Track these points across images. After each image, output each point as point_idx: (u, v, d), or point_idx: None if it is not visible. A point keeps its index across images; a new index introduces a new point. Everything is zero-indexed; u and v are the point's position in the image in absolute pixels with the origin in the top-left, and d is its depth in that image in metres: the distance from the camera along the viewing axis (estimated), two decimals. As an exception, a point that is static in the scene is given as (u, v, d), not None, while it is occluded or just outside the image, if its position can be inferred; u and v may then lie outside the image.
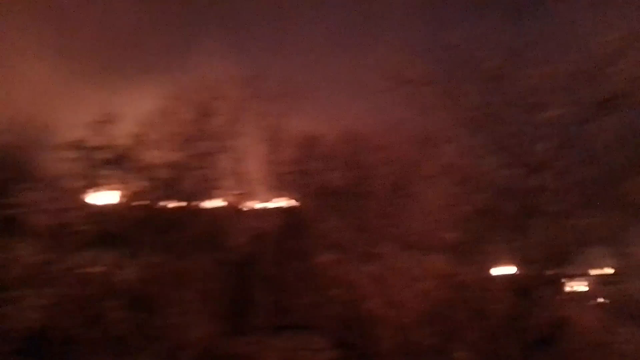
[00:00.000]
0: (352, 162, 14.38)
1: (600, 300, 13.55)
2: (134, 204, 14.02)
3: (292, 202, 15.61)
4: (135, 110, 15.14)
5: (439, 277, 12.39)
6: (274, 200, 15.82)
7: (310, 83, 15.34)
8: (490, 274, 12.74)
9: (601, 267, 13.80)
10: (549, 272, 12.30)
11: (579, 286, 13.47)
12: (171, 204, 14.57)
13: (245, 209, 15.30)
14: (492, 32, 10.94)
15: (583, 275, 13.50)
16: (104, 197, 14.10)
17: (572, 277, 13.21)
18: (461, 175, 12.16)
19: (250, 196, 15.57)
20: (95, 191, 13.88)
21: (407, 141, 13.00)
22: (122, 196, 14.19)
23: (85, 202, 13.33)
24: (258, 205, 15.62)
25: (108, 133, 13.89)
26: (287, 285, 13.21)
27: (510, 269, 12.55)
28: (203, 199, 14.89)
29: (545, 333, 11.93)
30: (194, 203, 14.62)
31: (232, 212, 14.80)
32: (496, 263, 12.74)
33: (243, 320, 12.60)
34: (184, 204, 14.56)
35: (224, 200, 15.29)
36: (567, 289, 13.22)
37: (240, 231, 14.06)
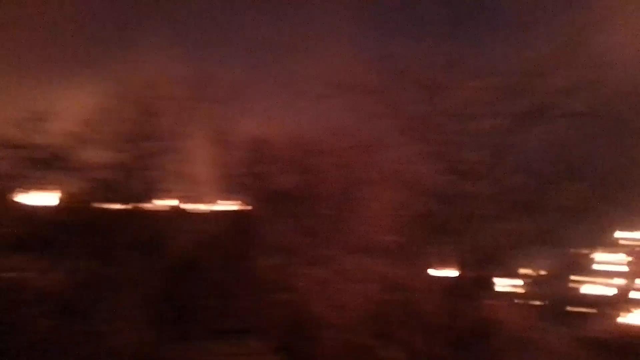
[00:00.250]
0: (299, 166, 14.49)
1: (529, 299, 14.37)
2: (70, 205, 13.47)
3: (239, 205, 15.52)
4: (74, 108, 14.56)
5: (381, 279, 12.70)
6: (220, 203, 15.67)
7: (257, 86, 15.39)
8: (428, 276, 13.19)
9: (531, 268, 14.66)
10: (482, 274, 12.94)
11: (510, 287, 14.22)
12: (111, 206, 14.12)
13: (190, 211, 15.05)
14: (430, 44, 11.38)
15: (514, 276, 14.26)
16: (36, 198, 13.45)
17: (503, 277, 13.93)
18: (401, 181, 12.53)
19: (196, 199, 15.34)
20: (27, 192, 13.22)
21: (351, 147, 13.23)
22: (57, 197, 13.61)
23: (14, 203, 12.66)
24: (203, 208, 15.41)
25: (42, 131, 13.29)
26: (230, 290, 13.11)
27: (446, 271, 13.07)
28: (145, 201, 14.52)
29: (477, 331, 12.51)
30: (135, 205, 14.23)
31: (176, 215, 14.52)
32: (434, 265, 13.21)
33: (184, 325, 12.38)
34: (125, 206, 14.15)
35: (168, 203, 14.98)
36: (499, 289, 13.92)
37: (184, 234, 13.82)
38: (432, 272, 13.24)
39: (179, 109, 15.12)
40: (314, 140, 13.97)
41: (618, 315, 13.84)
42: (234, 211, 15.26)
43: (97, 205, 13.94)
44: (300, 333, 12.36)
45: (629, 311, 13.92)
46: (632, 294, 14.33)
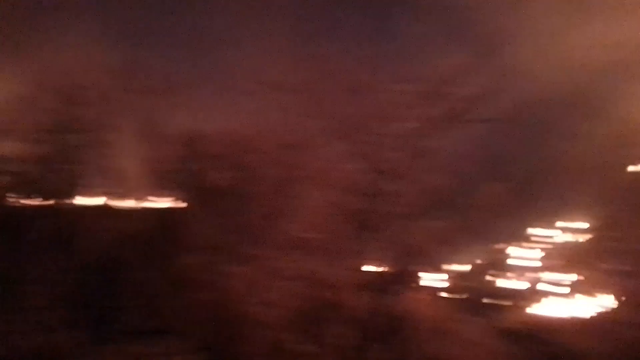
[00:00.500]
0: (229, 163, 14.35)
1: (450, 292, 15.15)
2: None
3: (168, 202, 15.18)
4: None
5: (308, 276, 12.88)
6: (148, 199, 15.25)
7: (189, 80, 15.05)
8: (354, 272, 13.51)
9: (452, 263, 15.44)
10: (406, 269, 13.48)
11: (432, 281, 14.90)
12: (28, 202, 13.43)
13: (115, 208, 14.56)
14: (356, 48, 11.64)
15: (436, 270, 14.95)
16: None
17: (426, 272, 14.57)
18: (328, 179, 12.73)
19: (123, 195, 14.86)
20: None
21: (280, 145, 13.27)
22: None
23: None
24: (131, 204, 14.95)
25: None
26: (152, 289, 12.84)
27: (372, 267, 13.47)
28: (67, 196, 13.89)
29: (399, 324, 13.03)
30: (55, 201, 13.59)
31: (98, 212, 13.99)
32: (360, 261, 13.56)
33: (102, 327, 12.01)
34: (43, 202, 13.49)
35: (92, 199, 14.41)
36: (422, 283, 14.55)
37: (106, 232, 13.34)
38: (357, 268, 13.57)
39: (106, 99, 14.54)
40: (244, 138, 13.87)
41: (529, 307, 14.87)
42: (162, 208, 14.91)
43: (12, 200, 13.23)
44: (223, 332, 12.33)
45: (539, 303, 15.00)
46: (542, 287, 15.42)
